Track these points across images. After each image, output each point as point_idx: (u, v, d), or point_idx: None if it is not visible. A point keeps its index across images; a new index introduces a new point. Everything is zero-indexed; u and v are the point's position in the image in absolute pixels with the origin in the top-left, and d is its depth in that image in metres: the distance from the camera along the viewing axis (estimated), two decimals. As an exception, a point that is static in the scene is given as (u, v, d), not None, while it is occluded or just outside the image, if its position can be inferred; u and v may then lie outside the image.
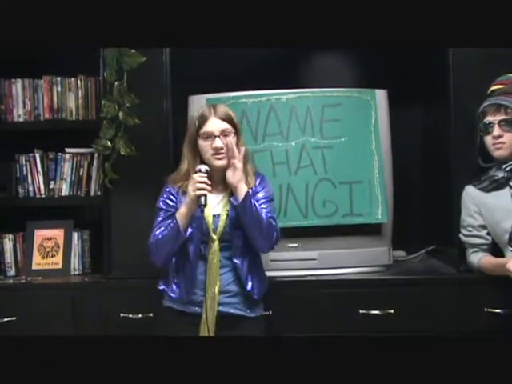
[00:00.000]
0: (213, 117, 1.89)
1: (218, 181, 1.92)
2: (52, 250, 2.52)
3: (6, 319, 2.28)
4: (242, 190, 1.85)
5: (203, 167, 1.85)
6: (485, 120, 2.10)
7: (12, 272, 2.51)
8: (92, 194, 2.51)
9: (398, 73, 2.60)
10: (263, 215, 1.86)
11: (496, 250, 2.14)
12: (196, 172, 1.84)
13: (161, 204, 1.94)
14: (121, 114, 2.24)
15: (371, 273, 2.35)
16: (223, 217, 1.89)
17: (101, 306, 2.30)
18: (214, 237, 1.87)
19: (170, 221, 1.87)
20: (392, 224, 2.39)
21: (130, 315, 2.28)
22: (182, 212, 1.85)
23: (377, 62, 2.63)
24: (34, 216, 2.55)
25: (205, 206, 1.81)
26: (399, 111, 2.48)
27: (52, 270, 2.48)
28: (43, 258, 2.51)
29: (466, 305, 2.22)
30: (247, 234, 1.88)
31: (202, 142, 1.90)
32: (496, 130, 2.07)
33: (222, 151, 1.87)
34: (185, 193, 1.87)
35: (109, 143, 2.27)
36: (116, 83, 2.24)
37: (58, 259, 2.51)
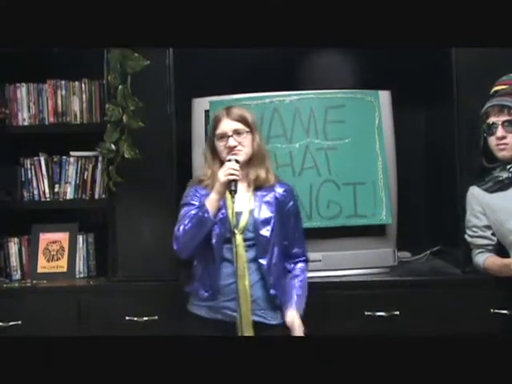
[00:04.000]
0: (225, 118, 1.94)
1: (242, 179, 1.92)
2: (57, 253, 2.52)
3: (11, 323, 2.29)
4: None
5: (234, 157, 1.89)
6: (488, 121, 2.09)
7: (17, 276, 2.51)
8: (97, 197, 2.52)
9: (402, 74, 2.60)
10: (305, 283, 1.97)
11: (502, 250, 2.13)
12: (228, 161, 1.88)
13: (186, 199, 1.95)
14: (125, 117, 2.25)
15: (376, 274, 2.35)
16: (246, 214, 1.90)
17: (106, 309, 2.30)
18: (236, 231, 1.87)
19: (197, 210, 1.87)
20: (396, 225, 2.38)
21: (136, 318, 2.28)
22: (211, 198, 1.86)
23: (380, 63, 2.63)
24: (38, 219, 2.55)
25: (235, 192, 1.83)
26: (403, 112, 2.47)
27: (57, 274, 2.49)
28: (48, 261, 2.51)
29: (471, 306, 2.21)
30: None
31: (218, 143, 1.94)
32: (500, 131, 2.06)
33: (236, 149, 1.91)
34: (208, 189, 1.89)
35: (113, 146, 2.27)
36: (120, 87, 2.24)
37: (63, 262, 2.51)
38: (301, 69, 2.63)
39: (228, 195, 1.86)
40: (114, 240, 2.37)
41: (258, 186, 1.95)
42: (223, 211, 1.88)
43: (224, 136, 1.92)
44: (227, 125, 1.93)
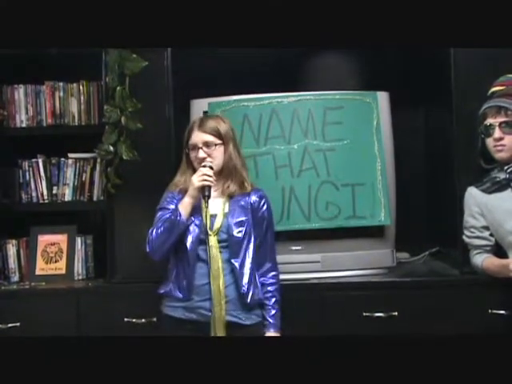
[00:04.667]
0: (197, 130, 2.00)
1: (216, 186, 1.98)
2: (55, 255, 2.52)
3: (9, 325, 2.28)
4: None
5: (208, 163, 1.94)
6: (485, 122, 2.10)
7: (16, 278, 2.51)
8: (95, 198, 2.52)
9: (400, 75, 2.60)
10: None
11: (500, 251, 2.14)
12: (202, 167, 1.93)
13: (162, 204, 2.01)
14: (123, 118, 2.25)
15: (374, 275, 2.35)
16: (220, 216, 1.95)
17: (105, 310, 2.30)
18: (210, 232, 1.92)
19: (171, 213, 1.92)
20: (395, 226, 2.39)
21: (134, 319, 2.28)
22: (184, 201, 1.92)
23: (378, 64, 2.64)
24: (37, 221, 2.55)
25: (209, 197, 1.89)
26: (401, 113, 2.48)
27: (55, 276, 2.48)
28: (47, 263, 2.51)
29: (469, 306, 2.22)
30: None
31: (190, 153, 2.01)
32: (497, 133, 2.07)
33: (206, 160, 1.95)
34: (184, 191, 1.94)
35: (111, 148, 2.27)
36: (118, 88, 2.24)
37: (61, 264, 2.51)
38: (299, 70, 2.64)
39: (202, 200, 1.90)
40: (112, 242, 2.37)
41: (231, 196, 1.99)
42: (198, 215, 1.93)
43: (195, 147, 1.98)
44: (198, 136, 1.98)
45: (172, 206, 1.96)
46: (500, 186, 2.11)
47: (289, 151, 2.31)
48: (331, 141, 2.31)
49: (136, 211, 2.36)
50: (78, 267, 2.51)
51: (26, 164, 2.53)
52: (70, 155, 2.53)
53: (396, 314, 2.22)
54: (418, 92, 2.65)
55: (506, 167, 2.10)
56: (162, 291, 2.00)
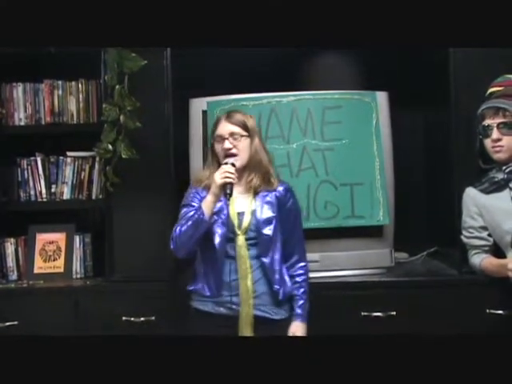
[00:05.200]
0: (224, 121, 1.97)
1: (241, 182, 1.96)
2: (54, 253, 2.51)
3: (7, 323, 2.28)
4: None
5: (230, 160, 1.91)
6: (483, 123, 2.10)
7: (14, 276, 2.50)
8: (94, 197, 2.51)
9: (399, 74, 2.60)
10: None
11: (498, 251, 2.14)
12: (224, 164, 1.91)
13: (186, 200, 1.98)
14: (122, 117, 2.25)
15: (373, 275, 2.36)
16: (248, 214, 1.93)
17: (103, 309, 2.29)
18: (239, 231, 1.91)
19: (194, 211, 1.90)
20: (394, 226, 2.39)
21: (133, 318, 2.28)
22: (207, 200, 1.89)
23: (378, 64, 2.64)
24: (35, 220, 2.54)
25: (230, 195, 1.86)
26: (400, 113, 2.48)
27: (54, 274, 2.48)
28: (45, 261, 2.51)
29: (467, 306, 2.22)
30: None
31: (216, 145, 1.97)
32: (495, 134, 2.07)
33: (231, 152, 1.93)
34: (209, 188, 1.92)
35: (110, 147, 2.27)
36: (117, 87, 2.24)
37: (59, 263, 2.51)
38: (298, 70, 2.63)
39: (224, 198, 1.89)
40: (110, 240, 2.37)
41: (257, 191, 1.96)
42: (225, 212, 1.92)
43: (221, 138, 1.95)
44: (225, 127, 1.96)
45: (195, 203, 1.94)
46: (498, 187, 2.11)
47: (288, 151, 2.31)
48: (330, 140, 2.31)
49: (135, 210, 2.36)
50: (77, 266, 2.51)
51: (24, 162, 2.53)
52: (69, 154, 2.53)
53: (394, 313, 2.23)
54: (416, 92, 2.65)
55: (504, 167, 2.10)
56: (191, 288, 2.00)
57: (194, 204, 1.94)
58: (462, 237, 2.19)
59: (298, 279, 2.00)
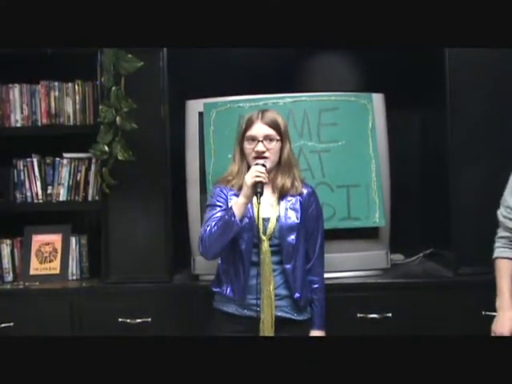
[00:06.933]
0: (259, 121, 1.94)
1: (268, 185, 1.94)
2: (50, 255, 2.51)
3: (3, 325, 2.28)
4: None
5: (261, 161, 1.89)
6: None
7: (10, 277, 2.50)
8: (90, 198, 2.51)
9: (395, 76, 2.61)
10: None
11: None
12: (255, 165, 1.88)
13: (212, 200, 1.96)
14: (118, 118, 2.25)
15: (369, 276, 2.36)
16: (273, 220, 1.92)
17: (99, 311, 2.29)
18: (264, 237, 1.90)
19: (224, 213, 1.88)
20: (390, 227, 2.39)
21: (129, 320, 2.27)
22: (238, 202, 1.86)
23: (373, 65, 2.64)
24: (31, 221, 2.54)
25: (261, 194, 1.84)
26: (396, 115, 2.48)
27: (50, 276, 2.48)
28: (41, 263, 2.50)
29: (463, 308, 2.23)
30: None
31: (246, 145, 1.95)
32: None
33: (264, 155, 1.91)
34: (235, 189, 1.92)
35: (106, 148, 2.27)
36: (113, 88, 2.24)
37: (55, 264, 2.51)
38: (295, 71, 2.64)
39: (254, 199, 1.86)
40: (106, 242, 2.37)
41: (284, 194, 1.96)
42: (249, 216, 1.90)
43: (254, 139, 1.93)
44: (259, 129, 1.92)
45: (221, 203, 1.92)
46: None
47: (284, 152, 2.31)
48: (326, 142, 2.32)
49: (131, 211, 2.36)
50: (73, 267, 2.51)
51: (20, 164, 2.53)
52: (65, 155, 2.53)
53: (390, 315, 2.23)
54: (413, 93, 2.65)
55: None
56: (215, 289, 1.99)
57: (219, 204, 1.93)
58: (498, 213, 2.01)
59: (316, 286, 2.00)
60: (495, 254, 2.01)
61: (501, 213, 2.01)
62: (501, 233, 2.00)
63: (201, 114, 2.35)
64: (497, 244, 2.01)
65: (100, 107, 2.28)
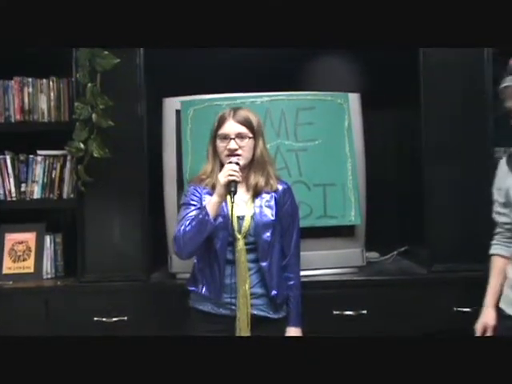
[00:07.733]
0: (231, 119, 1.92)
1: (242, 182, 1.92)
2: (23, 253, 2.48)
3: (-24, 325, 2.24)
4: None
5: (234, 159, 1.88)
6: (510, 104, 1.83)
7: (-18, 277, 2.46)
8: (65, 196, 2.48)
9: (371, 76, 2.63)
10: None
11: None
12: (228, 163, 1.87)
13: (186, 199, 1.94)
14: (94, 115, 2.22)
15: (345, 274, 2.39)
16: (248, 218, 1.91)
17: (74, 310, 2.28)
18: (239, 236, 1.89)
19: (198, 212, 1.87)
20: (365, 226, 2.42)
21: (104, 319, 2.26)
22: (212, 201, 1.85)
23: (350, 65, 2.67)
24: (4, 219, 2.50)
25: (235, 192, 1.83)
26: (372, 114, 2.51)
27: (24, 274, 2.44)
28: (14, 262, 2.46)
29: (436, 304, 2.27)
30: None
31: (219, 143, 1.93)
32: None
33: (236, 153, 1.90)
34: (209, 187, 1.91)
35: (82, 145, 2.25)
36: (89, 85, 2.22)
37: (29, 263, 2.47)
38: (272, 71, 2.64)
39: (228, 198, 1.85)
40: (82, 240, 2.34)
41: (258, 192, 1.95)
42: (223, 215, 1.89)
43: (226, 137, 1.91)
44: (231, 127, 1.91)
45: (195, 202, 1.91)
46: None
47: (261, 151, 2.31)
48: (303, 141, 2.33)
49: (107, 209, 2.34)
50: (47, 266, 2.47)
51: (-7, 160, 2.48)
52: (40, 152, 2.49)
53: (365, 312, 2.26)
54: (388, 93, 2.68)
55: None
56: (191, 288, 1.98)
57: (193, 203, 1.91)
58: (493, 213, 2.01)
59: (292, 282, 1.99)
60: (489, 251, 2.02)
61: (493, 209, 2.02)
62: (496, 229, 2.02)
63: (178, 112, 2.34)
64: (492, 241, 2.03)
65: (75, 104, 2.25)
